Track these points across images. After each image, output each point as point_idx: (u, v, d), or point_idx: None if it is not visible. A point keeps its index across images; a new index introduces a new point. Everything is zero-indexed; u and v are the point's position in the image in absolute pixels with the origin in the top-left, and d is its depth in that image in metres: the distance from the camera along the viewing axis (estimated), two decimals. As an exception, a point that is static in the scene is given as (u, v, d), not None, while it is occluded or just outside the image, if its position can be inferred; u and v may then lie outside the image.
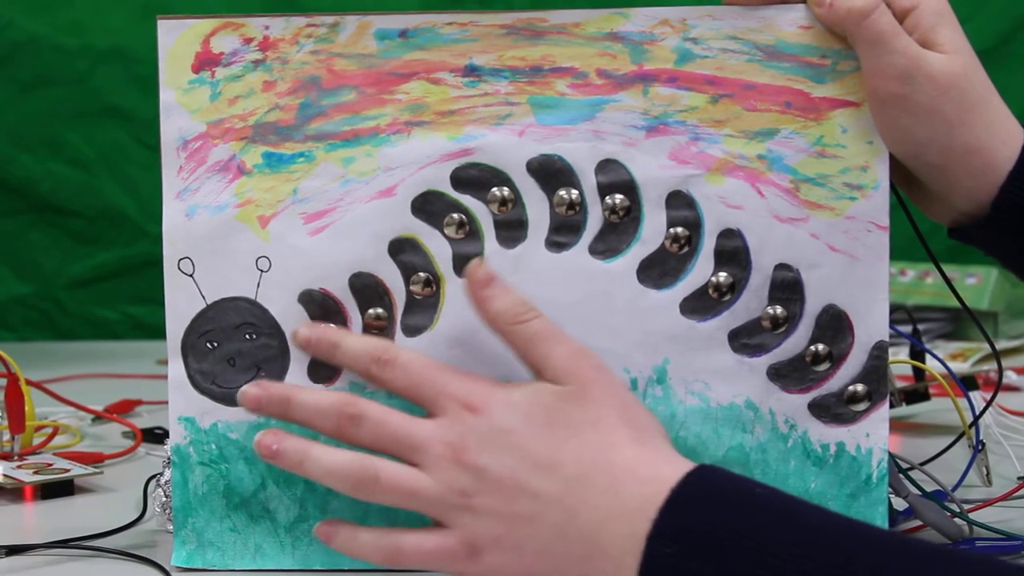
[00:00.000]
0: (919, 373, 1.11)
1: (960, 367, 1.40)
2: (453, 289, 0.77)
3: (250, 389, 0.73)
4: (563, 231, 0.77)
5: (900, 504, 0.81)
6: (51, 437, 1.11)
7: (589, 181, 0.77)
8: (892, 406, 0.97)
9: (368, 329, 0.78)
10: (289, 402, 0.72)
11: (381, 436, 0.70)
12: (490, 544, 0.68)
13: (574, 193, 0.77)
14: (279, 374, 0.78)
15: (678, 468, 0.66)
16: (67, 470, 0.98)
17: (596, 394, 0.69)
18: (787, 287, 0.77)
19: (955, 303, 0.88)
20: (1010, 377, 1.34)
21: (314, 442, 0.71)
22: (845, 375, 0.77)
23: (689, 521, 0.64)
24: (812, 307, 0.77)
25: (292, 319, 0.78)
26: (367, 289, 0.78)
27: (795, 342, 0.77)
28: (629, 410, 0.70)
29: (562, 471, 0.67)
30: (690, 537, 0.63)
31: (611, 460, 0.67)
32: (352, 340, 0.74)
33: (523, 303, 0.72)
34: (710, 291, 0.77)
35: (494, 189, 0.77)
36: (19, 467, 0.99)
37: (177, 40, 0.78)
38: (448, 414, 0.70)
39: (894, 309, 0.81)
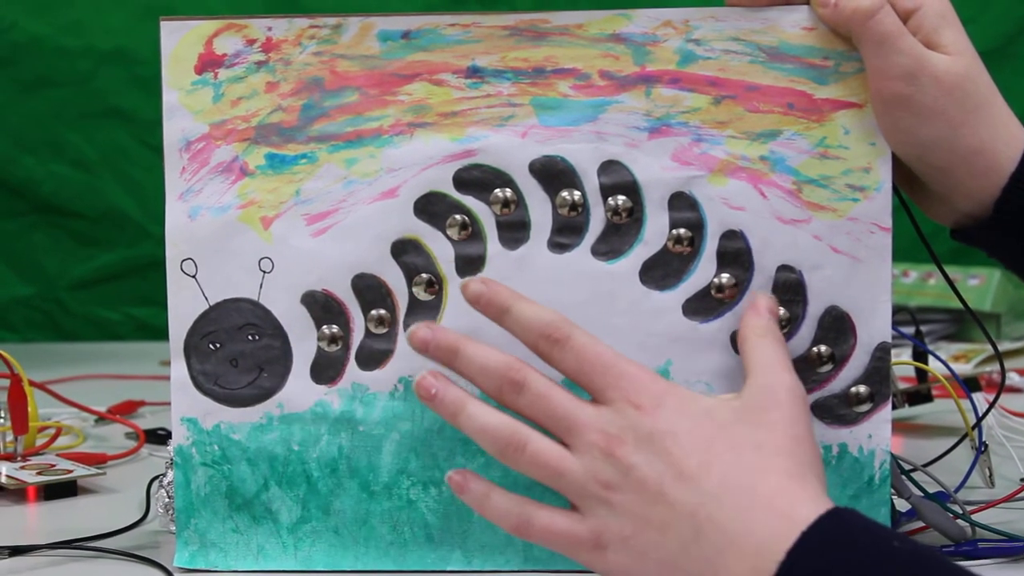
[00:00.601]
0: (922, 374, 1.11)
1: (963, 368, 1.39)
2: (455, 290, 0.77)
3: (420, 330, 0.71)
4: (566, 232, 0.77)
5: (903, 505, 0.81)
6: (54, 438, 1.11)
7: (591, 182, 0.77)
8: (895, 407, 0.97)
9: (370, 331, 0.78)
10: (457, 353, 0.71)
11: (540, 409, 0.69)
12: (617, 542, 0.67)
13: (576, 194, 0.77)
14: (282, 375, 0.78)
15: (816, 508, 0.63)
16: (70, 471, 0.98)
17: (774, 419, 0.68)
18: (789, 288, 0.77)
19: (958, 304, 0.88)
20: (1013, 378, 1.34)
21: (473, 397, 0.70)
22: (847, 376, 0.77)
23: (816, 567, 0.61)
24: (814, 308, 0.77)
25: (294, 320, 0.78)
26: (370, 290, 0.78)
27: (797, 343, 0.77)
28: (798, 444, 0.67)
29: (704, 485, 0.65)
30: None
31: (754, 484, 0.65)
32: (524, 308, 0.71)
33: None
34: (713, 292, 0.77)
35: (496, 190, 0.77)
36: (22, 468, 0.99)
37: (180, 41, 0.78)
38: (613, 405, 0.68)
39: (897, 310, 0.81)
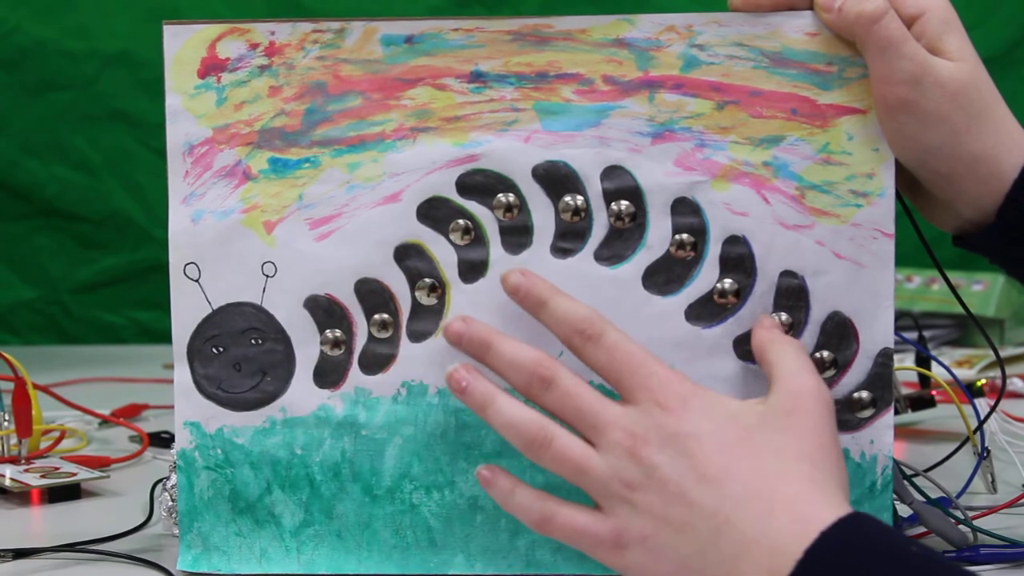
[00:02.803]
0: (924, 380, 1.11)
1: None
2: (458, 295, 0.77)
3: (455, 323, 0.74)
4: (568, 237, 0.78)
5: (905, 511, 0.81)
6: (58, 441, 1.11)
7: (595, 187, 0.77)
8: (897, 412, 0.97)
9: (373, 335, 0.78)
10: (489, 347, 0.72)
11: (567, 406, 0.70)
12: (636, 541, 0.67)
13: (579, 199, 0.77)
14: (285, 379, 0.78)
15: (835, 513, 0.64)
16: (74, 474, 0.98)
17: (797, 425, 0.68)
18: (792, 294, 0.77)
19: (962, 310, 0.88)
20: (1016, 384, 1.34)
21: (502, 391, 0.71)
22: (850, 382, 0.77)
23: (833, 566, 0.62)
24: (817, 314, 0.77)
25: (297, 324, 0.78)
26: (373, 295, 0.78)
27: (800, 349, 0.77)
28: (821, 450, 0.68)
29: (726, 488, 0.66)
30: None
31: (775, 489, 0.66)
32: (561, 303, 0.73)
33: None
34: (715, 298, 0.77)
35: (500, 195, 0.78)
36: (26, 471, 0.99)
37: (183, 45, 0.78)
38: (640, 406, 0.69)
39: (900, 316, 0.81)
